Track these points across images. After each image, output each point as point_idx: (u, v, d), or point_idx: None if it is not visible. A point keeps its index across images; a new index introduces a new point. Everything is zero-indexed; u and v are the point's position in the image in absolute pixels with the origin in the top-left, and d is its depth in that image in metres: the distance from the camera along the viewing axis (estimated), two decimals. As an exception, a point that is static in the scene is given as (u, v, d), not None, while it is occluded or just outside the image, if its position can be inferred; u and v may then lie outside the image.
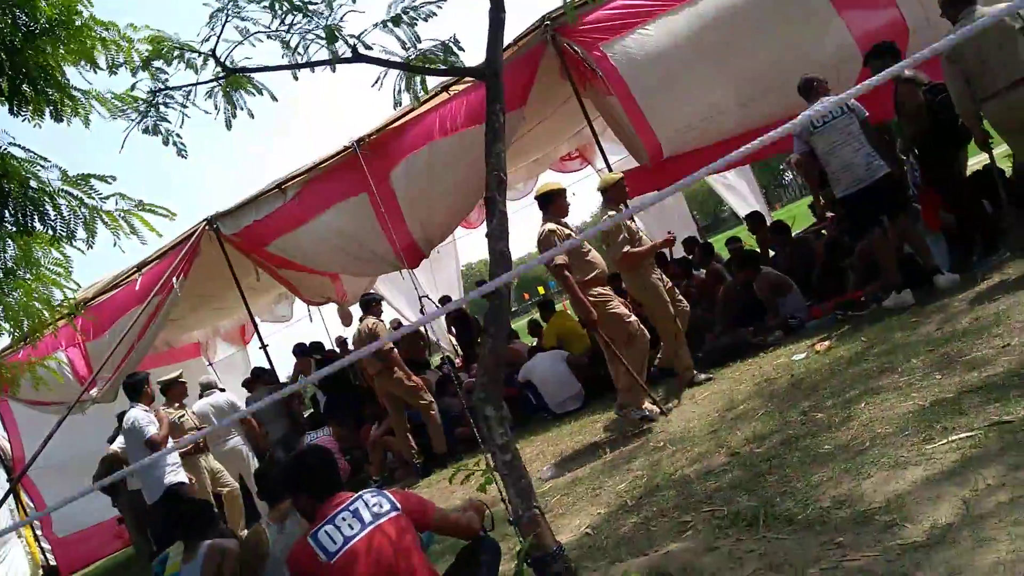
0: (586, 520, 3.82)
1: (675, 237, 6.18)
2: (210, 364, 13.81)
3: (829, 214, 7.19)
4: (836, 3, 6.25)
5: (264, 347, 8.30)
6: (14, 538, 10.45)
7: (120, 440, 8.12)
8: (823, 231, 7.78)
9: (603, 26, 6.55)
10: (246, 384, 10.87)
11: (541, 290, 38.25)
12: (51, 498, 9.64)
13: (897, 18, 6.24)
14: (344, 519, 2.64)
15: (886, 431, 3.18)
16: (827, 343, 5.13)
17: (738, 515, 3.00)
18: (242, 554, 3.50)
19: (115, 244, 3.96)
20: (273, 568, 3.37)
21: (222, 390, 8.37)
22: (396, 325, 11.61)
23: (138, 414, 6.11)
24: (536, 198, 5.60)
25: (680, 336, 5.77)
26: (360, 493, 2.76)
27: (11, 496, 8.99)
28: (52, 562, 10.14)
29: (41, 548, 10.30)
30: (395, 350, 7.12)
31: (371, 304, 7.43)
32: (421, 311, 7.31)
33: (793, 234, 8.23)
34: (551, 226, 5.32)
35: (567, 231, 5.35)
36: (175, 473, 6.14)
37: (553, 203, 5.49)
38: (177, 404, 7.23)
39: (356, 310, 10.04)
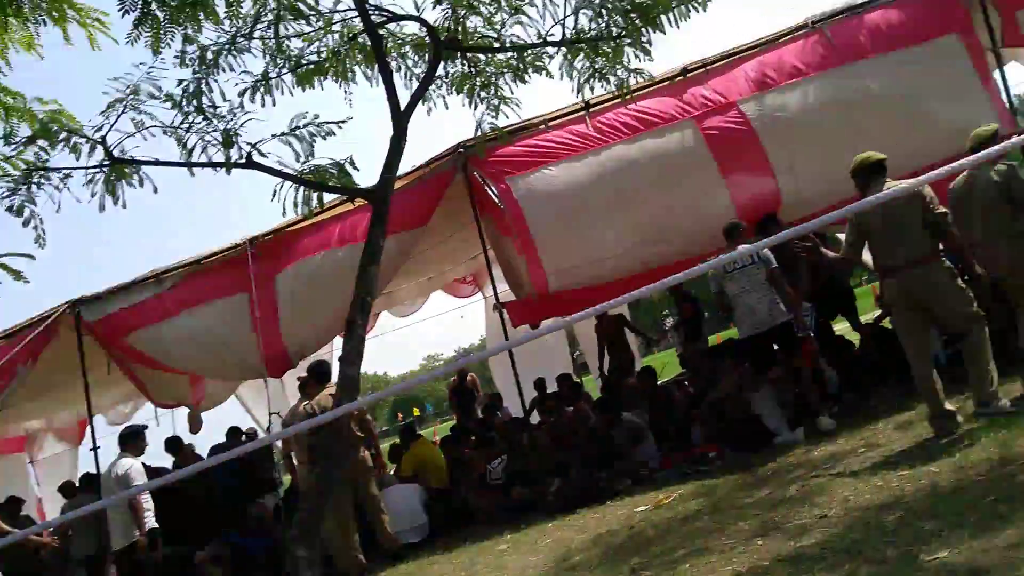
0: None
1: None
2: (31, 462, 12.33)
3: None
4: (723, 168, 6.81)
5: (95, 448, 7.56)
6: None
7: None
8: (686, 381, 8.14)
9: (512, 160, 6.99)
10: (64, 489, 9.54)
11: (416, 411, 37.19)
12: None
13: (773, 188, 6.85)
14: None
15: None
16: (670, 497, 5.21)
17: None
18: None
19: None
20: None
21: None
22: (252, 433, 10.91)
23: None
24: None
25: None
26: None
27: None
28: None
29: None
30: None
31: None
32: (267, 429, 6.90)
33: (659, 382, 8.51)
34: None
35: None
36: None
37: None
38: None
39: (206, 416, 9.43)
